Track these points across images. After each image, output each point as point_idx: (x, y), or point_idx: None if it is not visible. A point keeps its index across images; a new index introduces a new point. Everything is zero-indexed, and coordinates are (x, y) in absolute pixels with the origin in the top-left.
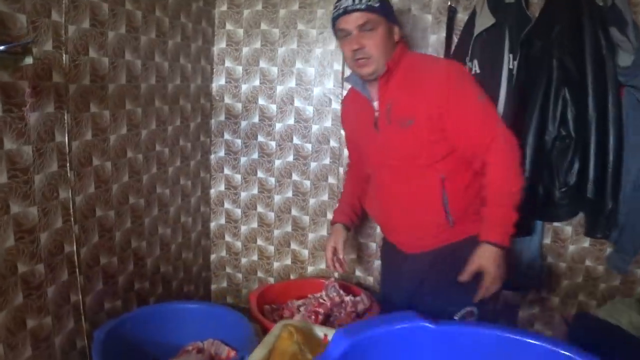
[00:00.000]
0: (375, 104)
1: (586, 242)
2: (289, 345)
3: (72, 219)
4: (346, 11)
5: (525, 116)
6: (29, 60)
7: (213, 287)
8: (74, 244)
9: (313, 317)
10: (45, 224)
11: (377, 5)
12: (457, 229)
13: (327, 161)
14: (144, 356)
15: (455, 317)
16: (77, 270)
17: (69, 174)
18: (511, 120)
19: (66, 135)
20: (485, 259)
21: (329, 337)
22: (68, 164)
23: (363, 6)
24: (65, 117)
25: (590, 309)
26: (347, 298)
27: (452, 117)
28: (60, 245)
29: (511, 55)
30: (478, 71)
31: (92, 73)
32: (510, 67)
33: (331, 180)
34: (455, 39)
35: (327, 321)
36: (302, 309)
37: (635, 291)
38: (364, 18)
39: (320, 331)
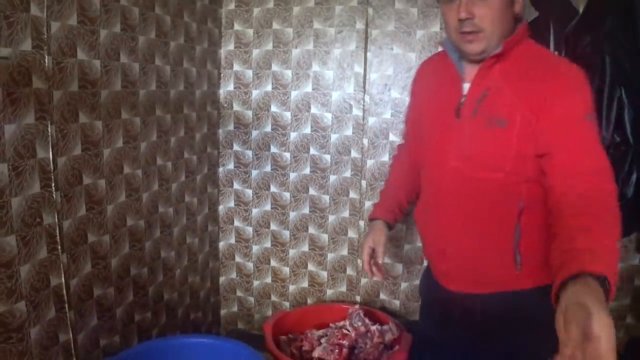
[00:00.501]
0: (466, 85)
1: (636, 260)
2: None
3: (59, 247)
4: None
5: None
6: None
7: (222, 312)
8: (62, 275)
9: (337, 350)
10: (26, 255)
11: None
12: (524, 274)
13: (347, 174)
14: None
15: None
16: (66, 305)
17: (54, 196)
18: None
19: (50, 150)
20: (589, 297)
21: None
22: (53, 184)
23: None
24: (49, 129)
25: (639, 333)
26: (374, 327)
27: (552, 128)
28: (46, 279)
29: (557, 53)
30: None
31: (80, 78)
32: None
33: (353, 195)
34: None
35: (351, 354)
36: (323, 340)
37: None
38: None
39: None
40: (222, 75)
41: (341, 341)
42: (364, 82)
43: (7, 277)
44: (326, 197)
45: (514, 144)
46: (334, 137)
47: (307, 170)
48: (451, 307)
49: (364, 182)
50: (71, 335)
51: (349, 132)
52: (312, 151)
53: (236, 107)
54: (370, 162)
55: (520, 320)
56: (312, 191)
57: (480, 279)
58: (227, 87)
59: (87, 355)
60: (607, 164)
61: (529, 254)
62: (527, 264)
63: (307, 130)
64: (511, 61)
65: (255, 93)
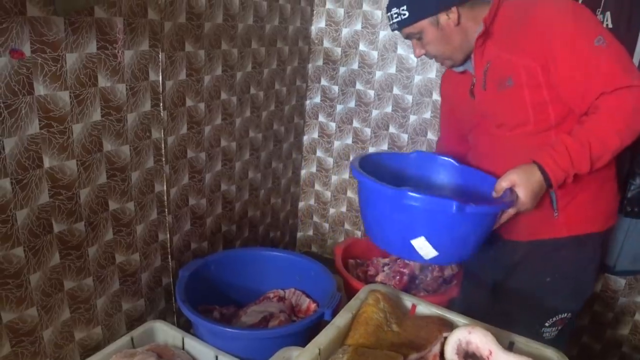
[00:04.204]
0: (474, 69)
1: None
2: (374, 312)
3: (164, 159)
4: (391, 29)
5: None
6: None
7: (299, 234)
8: (164, 184)
9: (397, 277)
10: (136, 163)
11: (406, 16)
12: (560, 220)
13: (427, 115)
14: (225, 298)
15: (546, 324)
16: (166, 209)
17: (161, 114)
18: None
19: (160, 74)
20: (520, 175)
21: (418, 308)
22: (161, 104)
23: (395, 25)
24: (160, 56)
25: None
26: None
27: (559, 69)
28: (151, 185)
29: None
30: (611, 26)
31: (188, 11)
32: None
33: (430, 135)
34: None
35: (412, 283)
36: (386, 268)
37: None
38: (404, 33)
39: (408, 300)
40: (314, 12)
41: (402, 270)
42: None
43: (121, 180)
44: (405, 136)
45: (526, 96)
46: (417, 78)
47: (389, 109)
48: (495, 249)
49: None
50: (168, 235)
51: (432, 74)
52: (396, 90)
53: (326, 43)
54: None
55: (551, 264)
56: (392, 129)
57: (520, 227)
58: (318, 24)
59: (180, 255)
60: (618, 79)
61: (565, 198)
62: (564, 208)
63: (392, 70)
64: (497, 31)
65: (345, 31)
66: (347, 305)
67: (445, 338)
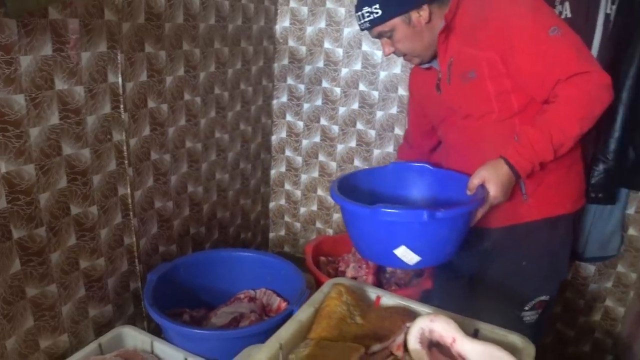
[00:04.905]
0: (439, 65)
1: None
2: (337, 305)
3: (126, 161)
4: (361, 29)
5: (620, 69)
6: None
7: (271, 235)
8: (128, 186)
9: (364, 266)
10: (98, 166)
11: (378, 14)
12: (532, 205)
13: (394, 110)
14: (195, 301)
15: (526, 308)
16: (131, 213)
17: (122, 116)
18: None
19: (120, 75)
20: (489, 171)
21: (382, 299)
22: (122, 106)
23: (367, 24)
24: (119, 57)
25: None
26: None
27: (517, 59)
28: (114, 188)
29: None
30: (569, 15)
31: (147, 11)
32: (608, 11)
33: (397, 131)
34: None
35: (382, 277)
36: (353, 263)
37: None
38: (375, 32)
39: (373, 292)
40: (278, 11)
41: None
42: None
43: (82, 184)
44: (372, 132)
45: (489, 86)
46: (382, 74)
47: (355, 105)
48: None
49: None
50: (134, 239)
51: (397, 70)
52: (362, 87)
53: (291, 42)
54: None
55: (529, 249)
56: (359, 125)
57: (492, 214)
58: (283, 23)
59: (148, 259)
60: (592, 65)
61: (533, 182)
62: (533, 192)
63: (358, 67)
64: (459, 26)
65: (309, 29)
66: (310, 299)
67: (409, 328)
